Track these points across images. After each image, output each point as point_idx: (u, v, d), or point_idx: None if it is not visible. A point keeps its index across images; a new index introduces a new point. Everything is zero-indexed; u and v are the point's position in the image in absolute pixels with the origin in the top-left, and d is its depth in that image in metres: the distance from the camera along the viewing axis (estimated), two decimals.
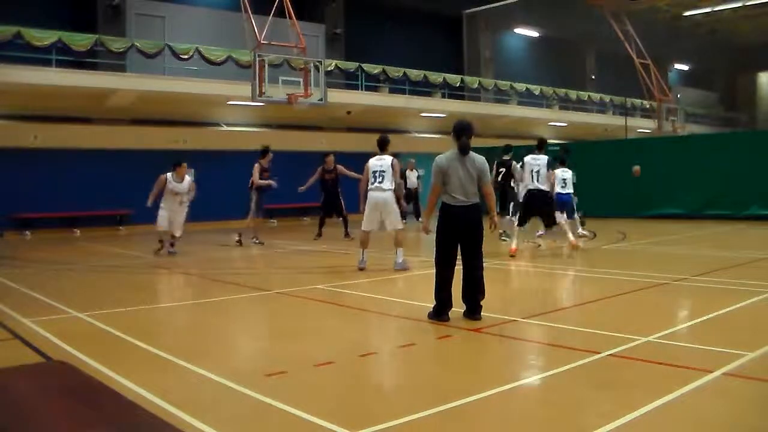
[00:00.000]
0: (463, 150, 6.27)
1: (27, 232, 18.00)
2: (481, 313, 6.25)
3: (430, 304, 7.55)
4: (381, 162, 9.89)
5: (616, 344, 5.27)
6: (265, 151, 14.45)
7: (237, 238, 14.55)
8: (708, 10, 31.95)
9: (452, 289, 6.32)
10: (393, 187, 9.90)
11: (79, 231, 18.59)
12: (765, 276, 8.52)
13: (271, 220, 21.85)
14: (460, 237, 6.25)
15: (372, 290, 8.66)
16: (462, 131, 6.33)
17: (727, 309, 6.63)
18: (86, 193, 18.73)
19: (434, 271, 6.36)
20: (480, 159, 6.37)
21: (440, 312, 6.27)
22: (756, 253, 11.29)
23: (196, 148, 20.98)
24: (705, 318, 6.37)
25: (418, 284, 9.31)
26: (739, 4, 30.98)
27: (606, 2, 27.09)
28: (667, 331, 5.77)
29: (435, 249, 6.38)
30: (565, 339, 5.68)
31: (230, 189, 21.25)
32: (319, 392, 4.44)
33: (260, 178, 14.18)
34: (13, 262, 12.44)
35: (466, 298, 6.31)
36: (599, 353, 5.03)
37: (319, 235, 15.09)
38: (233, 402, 4.20)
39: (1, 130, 17.84)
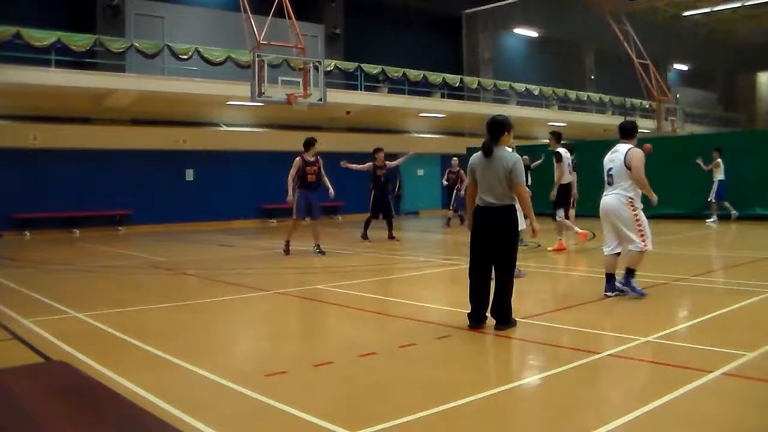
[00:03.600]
0: (484, 151, 5.93)
1: (26, 233, 17.99)
2: (507, 327, 5.87)
3: (430, 304, 7.55)
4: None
5: (616, 344, 5.27)
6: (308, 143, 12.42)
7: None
8: (707, 10, 31.96)
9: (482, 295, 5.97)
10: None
11: (78, 231, 18.59)
12: (765, 276, 8.53)
13: (271, 221, 21.86)
14: (488, 241, 5.89)
15: (372, 290, 8.66)
16: (488, 130, 5.99)
17: (727, 309, 6.63)
18: (85, 194, 18.74)
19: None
20: (509, 158, 5.86)
21: (470, 316, 5.98)
22: (756, 253, 11.29)
23: (195, 148, 21.00)
24: (705, 318, 6.37)
25: (419, 285, 9.31)
26: (738, 4, 30.99)
27: (605, 2, 27.09)
28: (666, 331, 5.77)
29: (470, 254, 6.10)
30: (565, 339, 5.67)
31: (230, 189, 21.33)
32: (319, 392, 4.44)
33: (302, 174, 12.17)
34: (12, 262, 12.43)
35: (492, 304, 5.95)
36: (599, 353, 5.03)
37: (366, 236, 14.56)
38: (233, 402, 4.19)
39: (1, 131, 17.84)
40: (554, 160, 12.10)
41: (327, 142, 23.37)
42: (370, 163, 14.57)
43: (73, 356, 5.21)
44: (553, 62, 33.61)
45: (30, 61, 16.94)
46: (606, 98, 33.10)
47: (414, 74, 24.66)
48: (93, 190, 18.89)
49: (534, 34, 33.63)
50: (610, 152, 7.56)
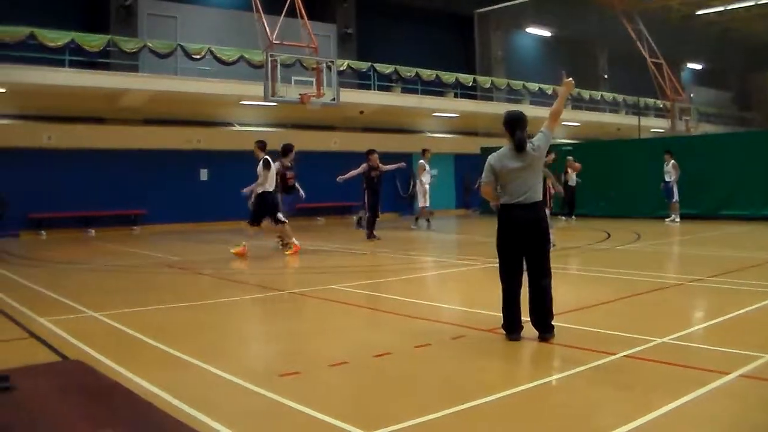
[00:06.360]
0: (519, 146, 5.48)
1: (42, 232, 18.14)
2: (552, 335, 5.55)
3: (444, 304, 7.53)
4: None
5: (632, 345, 5.23)
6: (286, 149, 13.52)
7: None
8: (721, 8, 31.74)
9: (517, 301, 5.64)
10: None
11: (93, 231, 18.71)
12: None
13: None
14: (522, 242, 5.53)
15: (385, 290, 8.66)
16: (515, 125, 5.51)
17: (744, 310, 6.57)
18: (100, 193, 18.86)
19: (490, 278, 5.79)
20: (533, 143, 5.59)
21: (509, 329, 5.61)
22: None
23: (209, 148, 21.08)
24: (721, 319, 6.32)
25: (432, 285, 9.31)
26: (752, 3, 30.73)
27: (618, 1, 26.97)
28: (682, 333, 5.72)
29: (498, 259, 5.73)
30: (580, 340, 5.64)
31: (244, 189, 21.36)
32: (334, 392, 4.44)
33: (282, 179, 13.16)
34: (28, 261, 12.53)
35: (532, 313, 5.58)
36: (614, 354, 5.00)
37: (372, 235, 14.75)
38: (247, 401, 4.20)
39: (15, 131, 18.01)
40: (262, 168, 12.23)
41: (341, 142, 23.50)
42: (364, 165, 14.75)
43: (89, 355, 5.24)
44: (565, 61, 33.44)
45: (44, 61, 17.09)
46: (619, 98, 32.95)
47: (427, 74, 24.66)
48: (108, 190, 19.00)
49: (547, 33, 33.52)
50: None
